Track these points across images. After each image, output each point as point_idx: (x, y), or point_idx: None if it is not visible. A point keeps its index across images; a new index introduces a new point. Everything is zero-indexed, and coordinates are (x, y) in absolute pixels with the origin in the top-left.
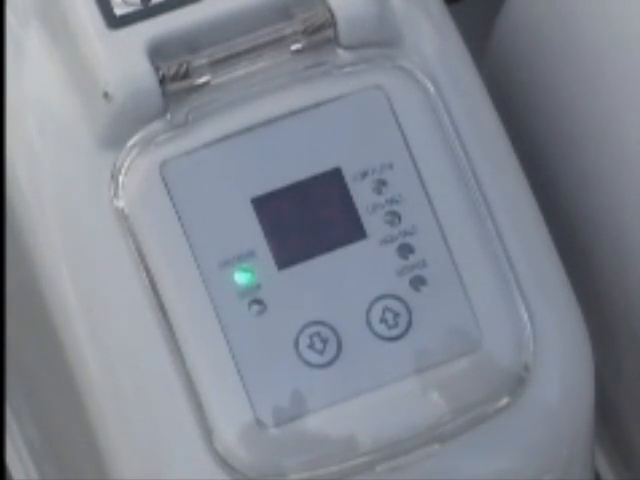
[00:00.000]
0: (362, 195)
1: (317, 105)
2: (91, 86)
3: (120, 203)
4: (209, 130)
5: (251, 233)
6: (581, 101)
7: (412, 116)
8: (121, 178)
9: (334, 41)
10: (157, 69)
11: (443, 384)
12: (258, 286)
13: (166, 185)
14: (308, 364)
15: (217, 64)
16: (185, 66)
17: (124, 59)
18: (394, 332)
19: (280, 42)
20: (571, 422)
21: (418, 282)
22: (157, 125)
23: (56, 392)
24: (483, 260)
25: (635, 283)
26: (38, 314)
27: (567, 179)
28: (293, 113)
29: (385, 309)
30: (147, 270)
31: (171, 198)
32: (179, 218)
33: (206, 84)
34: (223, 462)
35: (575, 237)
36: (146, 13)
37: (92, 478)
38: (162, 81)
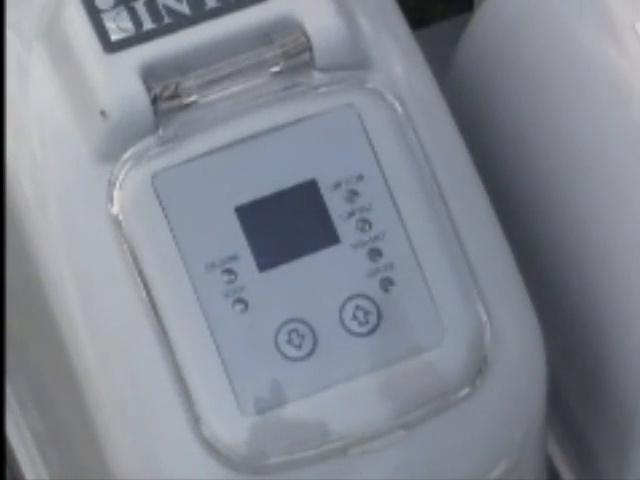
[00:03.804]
0: (335, 204)
1: (295, 122)
2: (89, 105)
3: (115, 211)
4: (197, 145)
5: (235, 238)
6: (534, 117)
7: (381, 132)
8: (116, 188)
9: (310, 64)
10: (149, 89)
11: (409, 376)
12: (241, 287)
13: (157, 195)
14: (286, 357)
15: (204, 85)
16: (175, 87)
17: (119, 80)
18: (365, 329)
19: (261, 65)
20: (525, 410)
21: (387, 283)
22: (149, 140)
23: (56, 381)
24: (446, 263)
25: (584, 280)
26: (40, 310)
27: (522, 187)
28: (273, 129)
29: (357, 307)
30: (140, 272)
31: (162, 206)
32: (169, 224)
33: (194, 103)
34: (209, 447)
35: (529, 241)
36: (139, 38)
37: (90, 460)
38: (154, 100)
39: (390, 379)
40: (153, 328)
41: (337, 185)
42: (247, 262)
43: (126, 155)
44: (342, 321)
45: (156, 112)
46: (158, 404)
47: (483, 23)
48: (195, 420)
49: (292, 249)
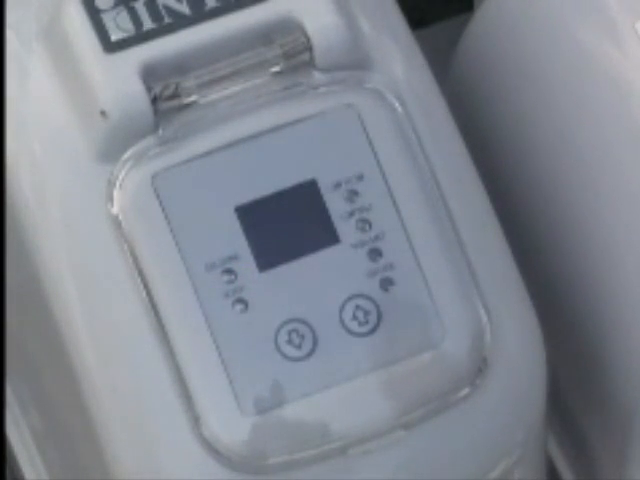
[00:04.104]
0: (335, 204)
1: (295, 122)
2: (89, 105)
3: (115, 211)
4: (197, 145)
5: (235, 238)
6: (534, 117)
7: (381, 132)
8: (116, 188)
9: (310, 64)
10: (149, 89)
11: (409, 376)
12: (241, 287)
13: (157, 195)
14: (286, 357)
15: (204, 85)
16: (175, 87)
17: (119, 80)
18: (365, 328)
19: (261, 65)
20: (525, 409)
21: (387, 283)
22: (149, 140)
23: (56, 381)
24: (445, 263)
25: (585, 280)
26: (40, 309)
27: (522, 187)
28: (273, 129)
29: (357, 307)
30: (140, 272)
31: (162, 206)
32: (169, 224)
33: (194, 103)
34: (209, 447)
35: (529, 241)
36: (139, 38)
37: (90, 460)
38: (154, 100)
39: (390, 379)
40: (153, 328)
41: (337, 185)
42: (247, 262)
43: (126, 155)
44: (342, 321)
45: (156, 112)
46: (158, 404)
47: (483, 22)
48: (195, 420)
49: (292, 249)
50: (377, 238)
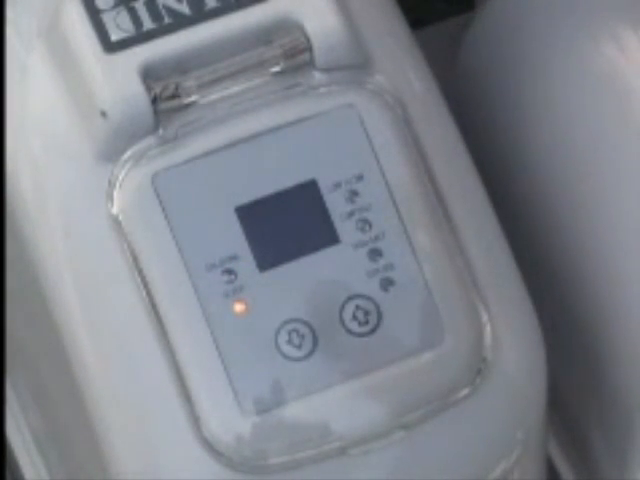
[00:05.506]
0: (336, 204)
1: (295, 122)
2: (89, 105)
3: (115, 211)
4: (197, 145)
5: (235, 238)
6: (536, 116)
7: (381, 132)
8: (116, 188)
9: (310, 64)
10: (149, 89)
11: (409, 376)
12: (241, 287)
13: (157, 195)
14: (287, 357)
15: (204, 85)
16: (175, 87)
17: (119, 80)
18: (365, 329)
19: (261, 65)
20: (525, 410)
21: (387, 283)
22: (149, 140)
23: (56, 381)
24: (445, 263)
25: (585, 280)
26: (40, 310)
27: (523, 187)
28: (273, 129)
29: (357, 307)
30: (140, 272)
31: (162, 206)
32: (169, 224)
33: (194, 103)
34: (209, 447)
35: (528, 240)
36: (139, 38)
37: (90, 460)
38: (154, 100)
39: (390, 379)
40: (153, 329)
41: (337, 185)
42: (247, 262)
43: (126, 155)
44: (342, 321)
45: (156, 112)
46: (158, 404)
47: (487, 22)
48: (195, 420)
49: (292, 249)
50: (377, 238)
